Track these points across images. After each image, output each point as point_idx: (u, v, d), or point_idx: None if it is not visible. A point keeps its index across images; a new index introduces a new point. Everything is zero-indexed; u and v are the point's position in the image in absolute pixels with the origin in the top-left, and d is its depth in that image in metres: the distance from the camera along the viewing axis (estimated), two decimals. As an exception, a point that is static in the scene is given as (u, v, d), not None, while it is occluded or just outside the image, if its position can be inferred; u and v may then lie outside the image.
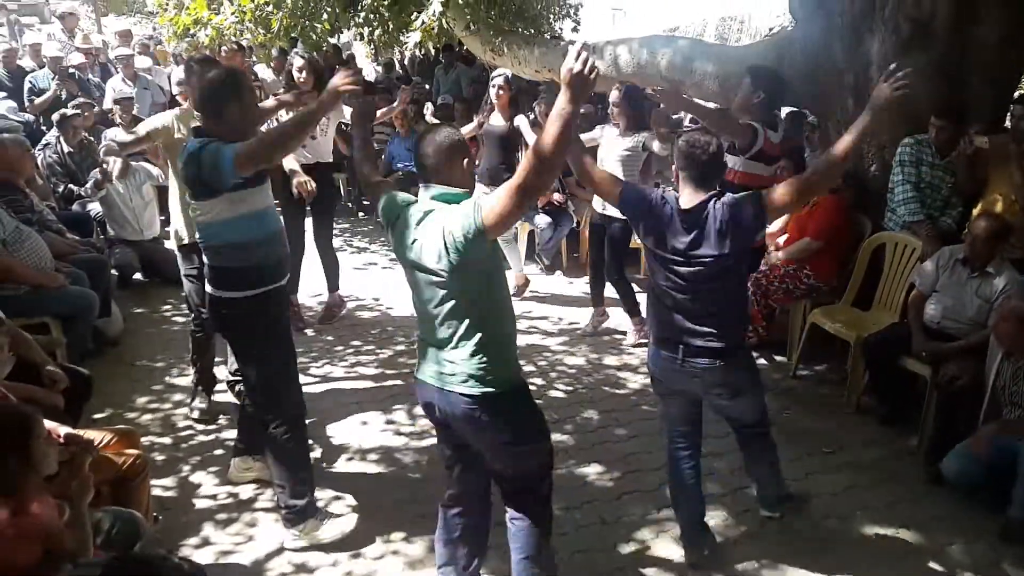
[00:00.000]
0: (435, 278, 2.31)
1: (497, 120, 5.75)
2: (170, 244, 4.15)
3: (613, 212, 4.67)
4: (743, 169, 4.01)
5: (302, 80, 5.01)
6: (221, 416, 4.15)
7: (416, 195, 2.44)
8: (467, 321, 2.32)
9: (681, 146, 2.80)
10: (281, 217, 3.45)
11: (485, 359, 2.33)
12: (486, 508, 2.71)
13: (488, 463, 2.54)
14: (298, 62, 5.09)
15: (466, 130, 5.81)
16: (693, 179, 2.77)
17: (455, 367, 2.36)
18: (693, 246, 2.73)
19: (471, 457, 2.57)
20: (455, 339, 2.35)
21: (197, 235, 3.06)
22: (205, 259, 3.06)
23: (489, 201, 2.19)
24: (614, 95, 5.02)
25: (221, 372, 4.21)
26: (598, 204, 5.14)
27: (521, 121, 4.19)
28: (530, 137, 4.09)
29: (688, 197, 2.77)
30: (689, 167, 2.77)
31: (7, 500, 1.96)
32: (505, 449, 2.44)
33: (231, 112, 2.85)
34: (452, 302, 2.32)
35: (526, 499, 2.55)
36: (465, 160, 2.38)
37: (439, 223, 2.26)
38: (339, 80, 2.80)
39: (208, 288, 3.06)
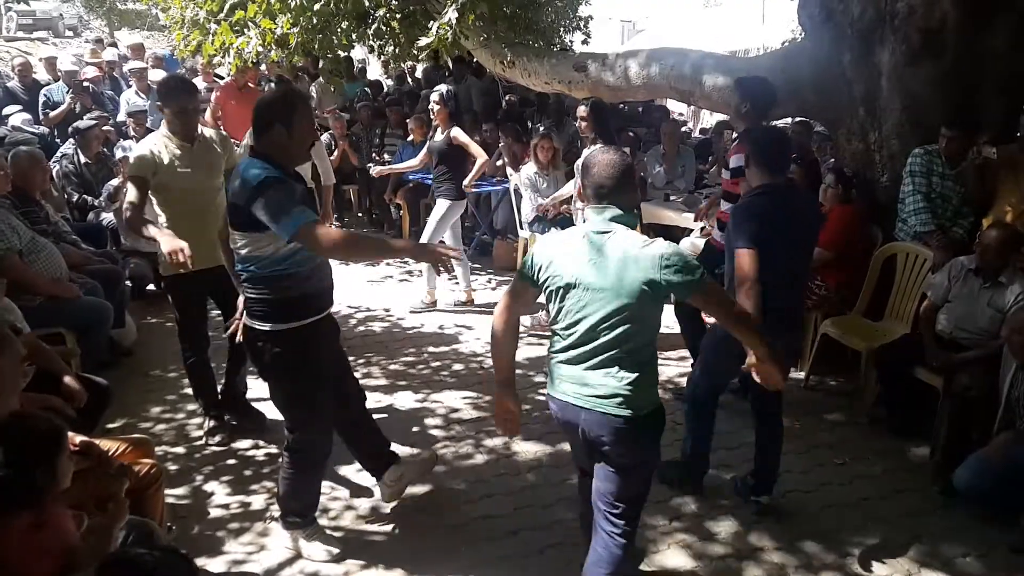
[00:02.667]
0: (615, 300, 2.32)
1: (438, 135, 6.02)
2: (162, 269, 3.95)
3: None
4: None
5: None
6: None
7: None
8: (633, 344, 2.37)
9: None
10: None
11: (640, 382, 2.38)
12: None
13: (603, 482, 2.52)
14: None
15: (414, 162, 6.35)
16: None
17: (610, 388, 2.38)
18: None
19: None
20: (616, 360, 2.38)
21: (237, 266, 2.93)
22: (245, 290, 2.94)
23: (712, 289, 2.38)
24: (581, 110, 5.27)
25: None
26: None
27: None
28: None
29: None
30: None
31: (30, 513, 1.98)
32: (637, 470, 2.50)
33: (278, 132, 2.76)
34: (627, 325, 2.34)
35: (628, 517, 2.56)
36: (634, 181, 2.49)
37: (637, 249, 2.31)
38: (440, 252, 2.79)
39: (247, 320, 2.96)
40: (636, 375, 2.38)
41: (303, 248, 2.75)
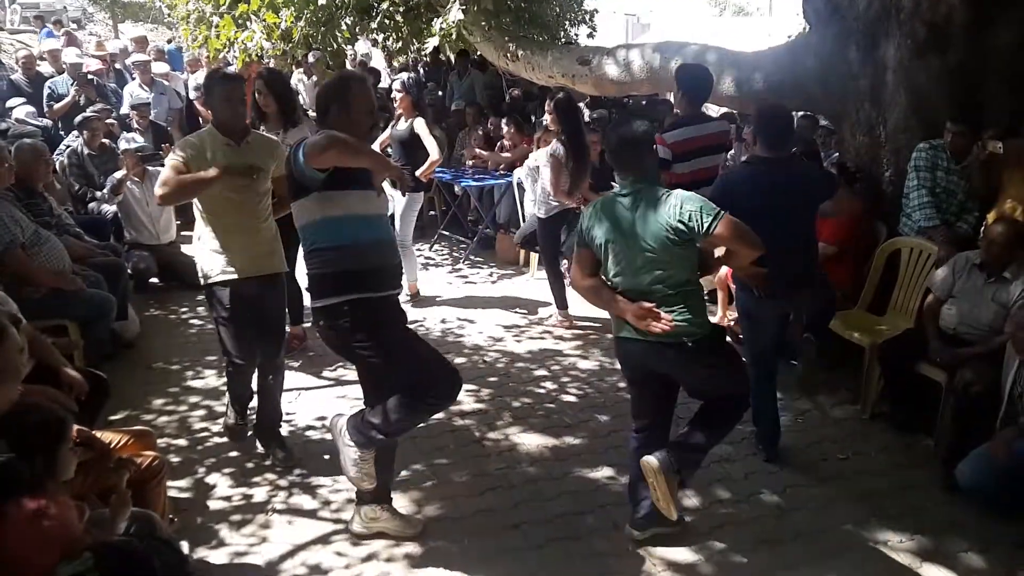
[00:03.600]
0: (644, 251, 2.78)
1: (400, 124, 5.91)
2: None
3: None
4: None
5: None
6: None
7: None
8: (672, 282, 2.81)
9: None
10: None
11: (688, 312, 2.82)
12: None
13: (694, 392, 3.05)
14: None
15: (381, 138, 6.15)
16: None
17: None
18: None
19: (665, 402, 3.10)
20: (662, 299, 2.80)
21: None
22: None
23: (731, 222, 2.73)
24: (548, 106, 5.41)
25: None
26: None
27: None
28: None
29: None
30: None
31: (31, 501, 1.98)
32: (715, 379, 2.96)
33: (334, 115, 2.85)
34: (660, 270, 2.79)
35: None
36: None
37: (657, 203, 2.76)
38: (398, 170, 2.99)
39: (310, 302, 2.93)
40: (682, 307, 2.81)
41: (345, 220, 2.81)
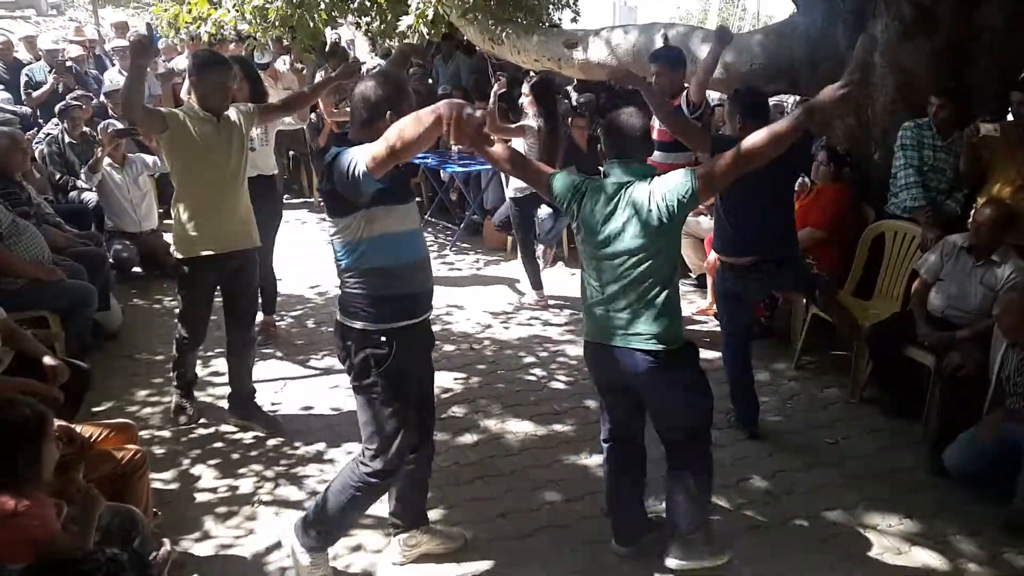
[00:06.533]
0: (638, 241, 2.62)
1: None
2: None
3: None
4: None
5: (238, 87, 4.69)
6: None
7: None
8: (660, 280, 2.67)
9: None
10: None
11: (670, 317, 2.69)
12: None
13: (657, 416, 2.86)
14: (236, 69, 5.11)
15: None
16: None
17: (640, 327, 2.66)
18: None
19: (635, 412, 2.90)
20: (643, 300, 2.66)
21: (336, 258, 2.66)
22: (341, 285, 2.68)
23: (705, 170, 2.61)
24: (525, 86, 5.53)
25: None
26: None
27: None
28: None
29: None
30: None
31: (8, 499, 1.94)
32: (679, 400, 2.78)
33: (386, 121, 2.46)
34: (650, 262, 2.64)
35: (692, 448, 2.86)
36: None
37: (646, 192, 2.62)
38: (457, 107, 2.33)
39: (338, 316, 2.70)
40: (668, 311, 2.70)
41: (394, 237, 2.59)
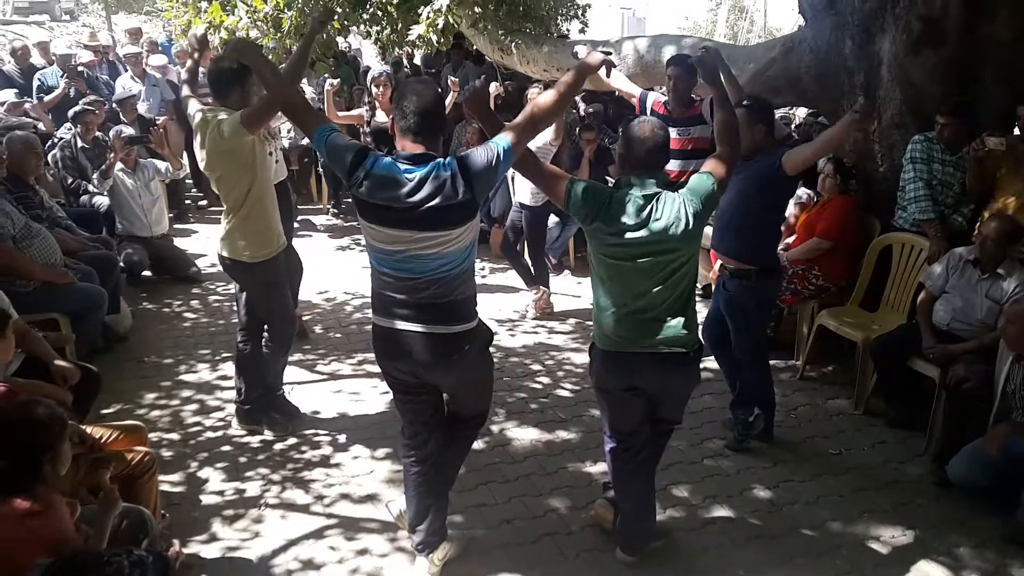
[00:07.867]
0: (677, 246, 2.69)
1: (381, 116, 5.95)
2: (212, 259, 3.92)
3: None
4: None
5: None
6: (231, 415, 4.14)
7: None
8: (687, 284, 2.77)
9: None
10: None
11: (695, 320, 2.83)
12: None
13: (664, 413, 2.96)
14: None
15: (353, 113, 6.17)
16: None
17: (671, 331, 2.74)
18: None
19: (644, 415, 2.94)
20: (677, 304, 2.75)
21: (439, 269, 2.66)
22: (435, 294, 2.68)
23: (716, 160, 2.81)
24: (532, 91, 5.66)
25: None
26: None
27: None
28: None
29: None
30: None
31: (24, 500, 1.96)
32: (686, 396, 3.01)
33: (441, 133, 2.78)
34: (685, 267, 2.74)
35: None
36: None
37: (679, 199, 2.69)
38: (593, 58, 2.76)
39: (440, 328, 2.71)
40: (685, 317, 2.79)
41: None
